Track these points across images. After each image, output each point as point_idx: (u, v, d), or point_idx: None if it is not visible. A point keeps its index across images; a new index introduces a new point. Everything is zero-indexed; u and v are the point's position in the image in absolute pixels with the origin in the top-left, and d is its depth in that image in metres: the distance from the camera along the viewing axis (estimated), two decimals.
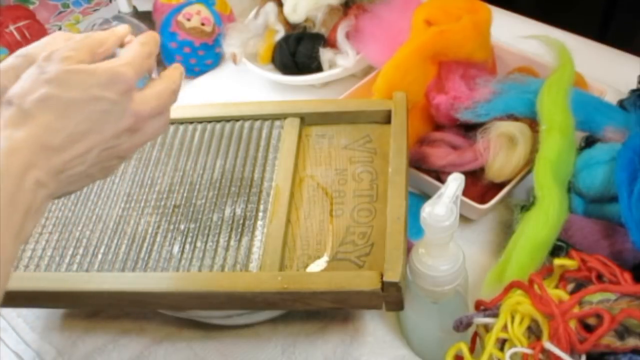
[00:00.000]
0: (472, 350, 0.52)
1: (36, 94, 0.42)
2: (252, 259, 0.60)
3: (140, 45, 0.49)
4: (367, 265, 0.58)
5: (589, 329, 0.45)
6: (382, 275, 0.54)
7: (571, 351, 0.44)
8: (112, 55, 0.50)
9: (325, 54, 0.87)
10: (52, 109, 0.42)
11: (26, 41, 1.03)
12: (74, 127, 0.43)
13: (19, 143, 0.41)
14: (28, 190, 0.40)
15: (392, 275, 0.54)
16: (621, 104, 0.74)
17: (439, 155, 0.71)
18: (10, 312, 0.72)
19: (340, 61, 0.87)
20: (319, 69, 0.89)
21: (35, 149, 0.41)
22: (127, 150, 0.47)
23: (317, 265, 0.59)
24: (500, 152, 0.68)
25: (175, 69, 0.52)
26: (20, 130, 0.41)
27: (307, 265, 0.60)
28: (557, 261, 0.51)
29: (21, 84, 0.43)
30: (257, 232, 0.62)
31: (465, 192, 0.57)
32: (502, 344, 0.48)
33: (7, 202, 0.39)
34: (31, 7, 1.14)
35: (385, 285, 0.54)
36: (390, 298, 0.55)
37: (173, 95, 0.51)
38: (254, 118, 0.72)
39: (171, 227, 0.64)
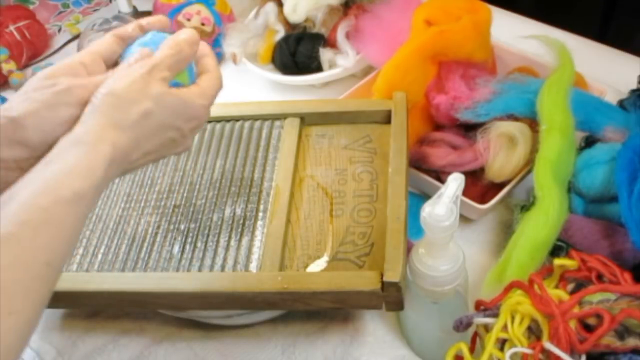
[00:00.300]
0: (472, 350, 0.52)
1: (143, 106, 0.45)
2: (252, 259, 0.60)
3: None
4: (367, 265, 0.58)
5: (589, 329, 0.45)
6: (382, 275, 0.54)
7: (571, 351, 0.44)
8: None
9: (325, 54, 0.87)
10: (146, 128, 0.46)
11: (26, 41, 1.03)
12: (149, 147, 0.47)
13: (114, 152, 0.43)
14: (104, 184, 0.43)
15: (392, 275, 0.54)
16: (621, 104, 0.74)
17: (439, 155, 0.71)
18: None
19: (340, 61, 0.87)
20: (319, 69, 0.89)
21: (121, 153, 0.44)
22: (186, 148, 0.51)
23: (317, 265, 0.59)
24: (500, 152, 0.68)
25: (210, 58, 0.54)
26: (118, 143, 0.44)
27: (307, 265, 0.60)
28: (557, 261, 0.51)
29: (125, 85, 0.45)
30: (257, 232, 0.62)
31: (465, 192, 0.57)
32: (502, 344, 0.48)
33: (92, 205, 0.42)
34: (31, 7, 1.14)
35: (385, 285, 0.54)
36: (390, 298, 0.55)
37: (218, 84, 0.53)
38: (254, 118, 0.72)
39: (171, 227, 0.64)
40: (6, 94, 1.00)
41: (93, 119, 0.44)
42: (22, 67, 1.03)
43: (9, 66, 1.00)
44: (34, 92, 0.45)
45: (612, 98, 0.75)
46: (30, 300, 0.37)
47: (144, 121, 0.45)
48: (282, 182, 0.65)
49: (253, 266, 0.59)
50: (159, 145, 0.48)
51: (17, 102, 0.45)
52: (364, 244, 0.60)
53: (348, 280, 0.55)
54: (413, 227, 0.60)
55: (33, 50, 1.05)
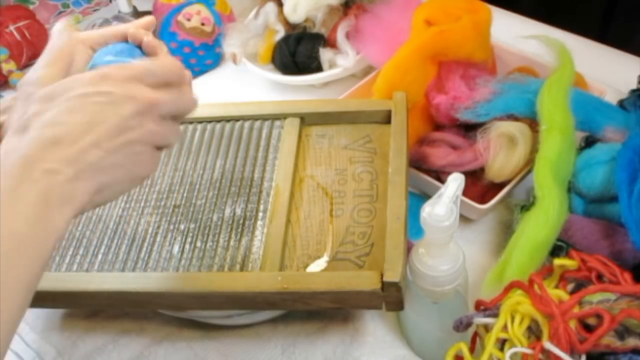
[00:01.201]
0: (472, 350, 0.52)
1: (29, 112, 0.44)
2: (252, 259, 0.60)
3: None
4: (367, 265, 0.58)
5: (589, 329, 0.45)
6: (382, 275, 0.54)
7: (571, 351, 0.44)
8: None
9: (325, 54, 0.87)
10: (47, 117, 0.44)
11: (26, 41, 1.03)
12: (74, 123, 0.44)
13: (17, 146, 0.43)
14: (36, 179, 0.41)
15: (392, 275, 0.54)
16: (621, 104, 0.74)
17: (439, 155, 0.71)
18: None
19: (340, 61, 0.87)
20: (319, 69, 0.89)
21: (36, 146, 0.42)
22: (148, 135, 0.47)
23: (317, 265, 0.59)
24: (500, 152, 0.68)
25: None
26: (22, 137, 0.43)
27: (307, 265, 0.60)
28: (557, 261, 0.51)
29: (14, 115, 0.46)
30: (257, 232, 0.62)
31: (465, 192, 0.57)
32: (502, 344, 0.48)
33: (7, 198, 0.40)
34: (31, 7, 1.14)
35: (385, 285, 0.54)
36: (390, 298, 0.55)
37: (189, 103, 0.51)
38: (254, 118, 0.72)
39: (171, 227, 0.64)
40: (6, 93, 1.00)
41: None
42: (22, 67, 1.03)
43: (9, 66, 1.00)
44: None
45: (612, 98, 0.75)
46: None
47: (39, 118, 0.44)
48: (282, 182, 0.65)
49: (253, 266, 0.59)
50: (82, 114, 0.44)
51: None
52: (364, 244, 0.60)
53: (348, 280, 0.55)
54: (413, 227, 0.60)
55: (33, 50, 1.05)
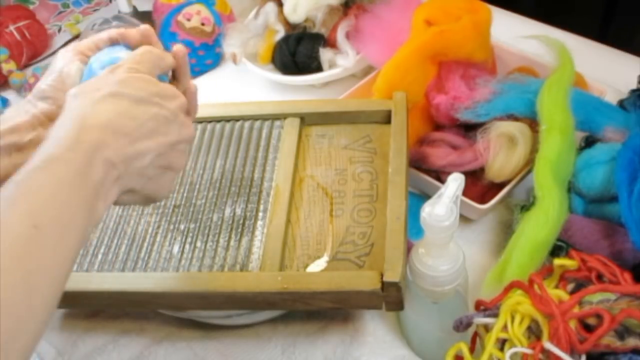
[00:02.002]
0: (472, 350, 0.52)
1: (107, 89, 0.45)
2: (252, 259, 0.60)
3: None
4: (367, 265, 0.58)
5: (589, 329, 0.45)
6: (382, 275, 0.54)
7: (571, 351, 0.44)
8: None
9: (325, 54, 0.87)
10: (124, 102, 0.45)
11: (26, 41, 1.03)
12: (144, 121, 0.45)
13: (90, 123, 0.43)
14: (97, 166, 0.42)
15: (392, 275, 0.54)
16: (621, 104, 0.74)
17: (439, 155, 0.71)
18: None
19: (340, 61, 0.87)
20: (319, 69, 0.89)
21: (107, 130, 0.43)
22: (176, 163, 0.50)
23: (317, 265, 0.59)
24: (500, 152, 0.68)
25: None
26: (93, 115, 0.43)
27: (307, 265, 0.60)
28: (557, 261, 0.51)
29: (90, 82, 0.46)
30: (257, 232, 0.62)
31: (465, 192, 0.57)
32: (502, 344, 0.48)
33: (75, 173, 0.40)
34: (31, 7, 1.14)
35: (385, 285, 0.54)
36: (390, 298, 0.55)
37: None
38: (254, 118, 0.72)
39: (171, 227, 0.64)
40: (6, 94, 1.00)
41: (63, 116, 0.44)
42: (22, 67, 1.03)
43: (9, 66, 1.00)
44: None
45: (612, 98, 0.75)
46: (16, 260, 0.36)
47: (116, 99, 0.45)
48: (282, 182, 0.65)
49: (253, 266, 0.59)
50: (153, 119, 0.46)
51: None
52: (364, 244, 0.60)
53: (348, 280, 0.55)
54: (413, 227, 0.60)
55: (33, 50, 1.05)
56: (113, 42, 0.54)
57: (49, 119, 0.50)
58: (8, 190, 0.38)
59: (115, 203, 0.46)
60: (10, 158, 0.49)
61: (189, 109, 0.53)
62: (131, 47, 0.54)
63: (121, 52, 0.53)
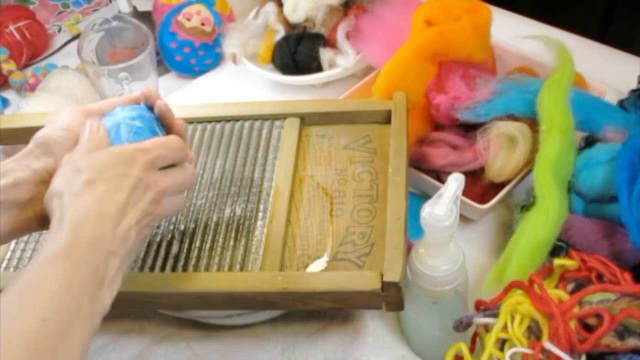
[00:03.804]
0: (472, 350, 0.52)
1: (80, 181, 0.47)
2: (252, 259, 0.60)
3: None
4: (367, 265, 0.58)
5: (589, 329, 0.45)
6: (382, 275, 0.54)
7: (571, 351, 0.44)
8: None
9: (325, 54, 0.87)
10: (99, 188, 0.46)
11: (26, 41, 1.03)
12: (120, 200, 0.47)
13: (82, 214, 0.45)
14: (100, 259, 0.45)
15: (392, 275, 0.54)
16: (621, 104, 0.74)
17: (439, 155, 0.71)
18: None
19: (340, 61, 0.87)
20: (319, 69, 0.89)
21: (98, 220, 0.45)
22: (155, 220, 0.51)
23: (317, 265, 0.59)
24: (500, 152, 0.68)
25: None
26: (79, 204, 0.46)
27: (307, 265, 0.60)
28: (557, 261, 0.51)
29: (59, 180, 0.48)
30: (257, 232, 0.62)
31: (465, 192, 0.57)
32: (502, 344, 0.48)
33: (75, 267, 0.44)
34: (31, 7, 1.14)
35: (385, 285, 0.54)
36: (390, 298, 0.55)
37: (190, 179, 0.54)
38: (254, 118, 0.72)
39: (171, 227, 0.64)
40: (6, 94, 1.00)
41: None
42: (22, 67, 1.03)
43: (9, 66, 1.00)
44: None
45: (612, 98, 0.75)
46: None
47: (91, 187, 0.46)
48: (282, 182, 0.65)
49: (253, 266, 0.59)
50: (124, 193, 0.47)
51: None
52: (364, 244, 0.60)
53: (348, 280, 0.55)
54: (413, 227, 0.60)
55: (33, 50, 1.05)
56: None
57: (50, 175, 0.50)
58: (16, 287, 0.41)
59: None
60: (11, 214, 0.50)
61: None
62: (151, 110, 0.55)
63: (142, 110, 0.54)
